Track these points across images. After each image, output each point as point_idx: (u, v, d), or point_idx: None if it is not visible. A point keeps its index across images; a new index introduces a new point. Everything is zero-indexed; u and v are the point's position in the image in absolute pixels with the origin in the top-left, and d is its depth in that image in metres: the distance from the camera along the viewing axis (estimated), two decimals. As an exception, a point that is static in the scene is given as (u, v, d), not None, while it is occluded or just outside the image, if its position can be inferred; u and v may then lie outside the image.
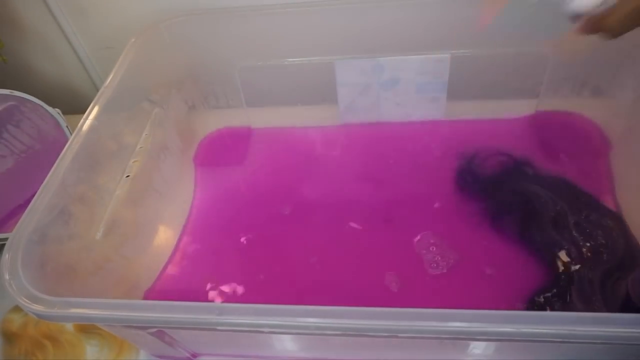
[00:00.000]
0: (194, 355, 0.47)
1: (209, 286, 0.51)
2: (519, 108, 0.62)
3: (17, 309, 0.53)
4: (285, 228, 0.56)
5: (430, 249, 0.51)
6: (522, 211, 0.53)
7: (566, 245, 0.48)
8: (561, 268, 0.47)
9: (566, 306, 0.45)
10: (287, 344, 0.44)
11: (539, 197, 0.53)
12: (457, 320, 0.29)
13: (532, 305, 0.45)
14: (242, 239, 0.55)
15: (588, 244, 0.48)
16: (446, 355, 0.42)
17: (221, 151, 0.66)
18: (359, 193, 0.58)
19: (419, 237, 0.52)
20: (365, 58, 0.59)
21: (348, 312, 0.30)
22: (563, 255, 0.48)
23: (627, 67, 0.55)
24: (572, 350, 0.35)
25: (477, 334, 0.29)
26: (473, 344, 0.39)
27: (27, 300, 0.34)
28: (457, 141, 0.61)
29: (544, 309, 0.45)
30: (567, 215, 0.51)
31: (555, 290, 0.46)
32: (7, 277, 0.35)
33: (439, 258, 0.50)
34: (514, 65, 0.58)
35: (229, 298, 0.50)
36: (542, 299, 0.45)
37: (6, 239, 0.38)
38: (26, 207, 0.40)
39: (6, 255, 0.36)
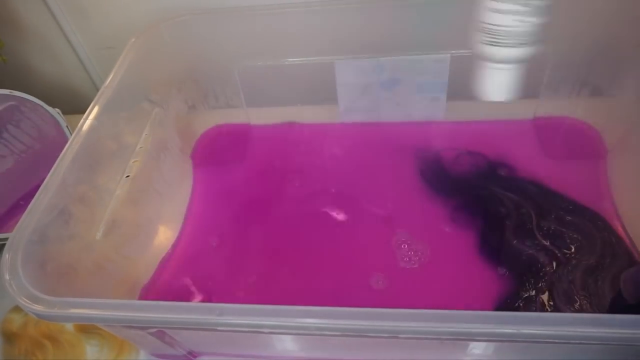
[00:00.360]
0: (194, 355, 0.48)
1: (208, 286, 0.51)
2: (519, 108, 0.62)
3: (17, 309, 0.53)
4: (284, 228, 0.56)
5: (404, 247, 0.51)
6: (485, 217, 0.52)
7: (537, 250, 0.48)
8: (537, 273, 0.47)
9: (549, 309, 0.45)
10: (287, 344, 0.44)
11: (502, 202, 0.53)
12: (458, 321, 0.29)
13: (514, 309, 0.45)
14: (242, 238, 0.55)
15: (562, 246, 0.48)
16: (446, 355, 0.42)
17: (220, 150, 0.66)
18: (359, 193, 0.58)
19: (416, 235, 0.52)
20: (365, 58, 0.59)
21: (348, 313, 0.30)
22: (536, 260, 0.48)
23: (627, 67, 0.55)
24: (572, 350, 0.35)
25: (478, 334, 0.29)
26: (473, 344, 0.39)
27: (27, 300, 0.34)
28: (457, 141, 0.61)
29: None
30: (533, 219, 0.50)
31: (531, 297, 0.45)
32: (7, 277, 0.35)
33: (413, 255, 0.50)
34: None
35: (229, 298, 0.50)
36: (517, 307, 0.45)
37: (6, 239, 0.38)
38: (26, 207, 0.40)
39: (6, 255, 0.36)
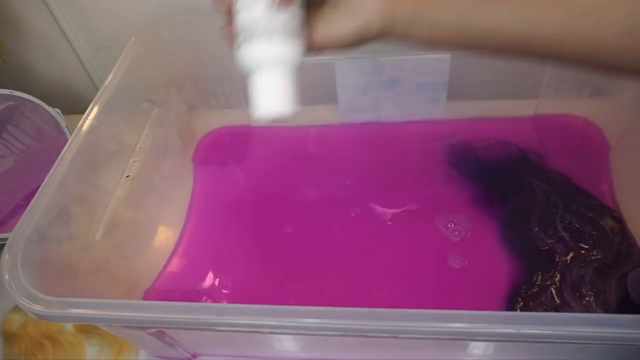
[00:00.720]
0: (194, 356, 0.47)
1: (208, 286, 0.51)
2: (519, 108, 0.62)
3: (17, 309, 0.53)
4: (284, 227, 0.56)
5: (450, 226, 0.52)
6: (514, 202, 0.53)
7: (555, 240, 0.49)
8: (551, 263, 0.47)
9: (557, 302, 0.45)
10: (287, 344, 0.44)
11: (532, 190, 0.53)
12: (458, 321, 0.29)
13: (521, 299, 0.46)
14: (241, 238, 0.55)
15: (579, 241, 0.48)
16: (446, 355, 0.42)
17: (221, 150, 0.66)
18: (358, 193, 0.58)
19: (416, 233, 0.52)
20: (365, 58, 0.58)
21: (348, 313, 0.30)
22: (552, 251, 0.48)
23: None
24: (572, 350, 0.35)
25: (478, 334, 0.29)
26: (473, 344, 0.39)
27: (27, 300, 0.34)
28: (457, 141, 0.61)
29: (533, 304, 0.45)
30: (559, 211, 0.51)
31: (544, 286, 0.46)
32: (7, 277, 0.35)
33: (462, 229, 0.51)
34: (514, 65, 0.58)
35: (229, 298, 0.50)
36: (530, 294, 0.46)
37: (6, 239, 0.38)
38: (26, 207, 0.40)
39: (6, 255, 0.36)
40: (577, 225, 0.50)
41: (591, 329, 0.27)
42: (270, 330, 0.31)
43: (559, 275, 0.46)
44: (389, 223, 0.54)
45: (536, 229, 0.50)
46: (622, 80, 0.56)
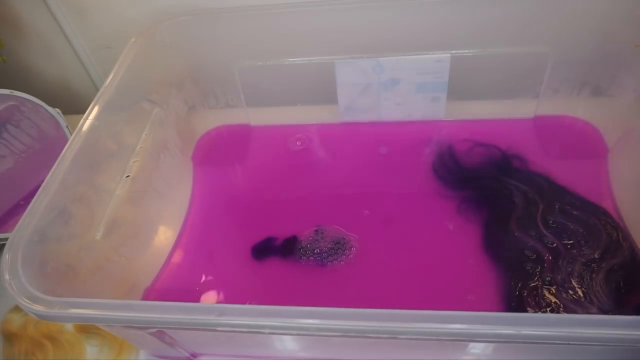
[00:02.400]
0: (194, 355, 0.48)
1: (208, 286, 0.51)
2: (519, 108, 0.62)
3: (17, 309, 0.53)
4: (284, 228, 0.56)
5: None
6: (493, 208, 0.53)
7: (539, 241, 0.49)
8: (537, 264, 0.47)
9: (547, 301, 0.45)
10: (287, 344, 0.44)
11: (511, 193, 0.53)
12: (458, 322, 0.29)
13: (514, 298, 0.46)
14: (241, 238, 0.55)
15: (564, 238, 0.48)
16: (446, 355, 0.42)
17: (220, 150, 0.66)
18: (358, 193, 0.58)
19: (418, 233, 0.52)
20: (365, 58, 0.59)
21: (348, 314, 0.30)
22: (537, 251, 0.48)
23: (627, 67, 0.55)
24: (572, 351, 0.35)
25: (478, 335, 0.29)
26: (473, 344, 0.39)
27: (27, 301, 0.34)
28: (457, 141, 0.61)
29: (525, 303, 0.45)
30: (539, 211, 0.51)
31: (533, 287, 0.46)
32: (7, 277, 0.35)
33: None
34: (514, 65, 0.58)
35: (229, 298, 0.50)
36: (524, 293, 0.46)
37: (6, 239, 0.38)
38: (26, 207, 0.40)
39: (6, 255, 0.36)
40: (561, 224, 0.50)
41: (591, 330, 0.27)
42: (271, 331, 0.31)
43: (546, 275, 0.46)
44: (386, 224, 0.54)
45: (516, 233, 0.50)
46: (623, 80, 0.56)
